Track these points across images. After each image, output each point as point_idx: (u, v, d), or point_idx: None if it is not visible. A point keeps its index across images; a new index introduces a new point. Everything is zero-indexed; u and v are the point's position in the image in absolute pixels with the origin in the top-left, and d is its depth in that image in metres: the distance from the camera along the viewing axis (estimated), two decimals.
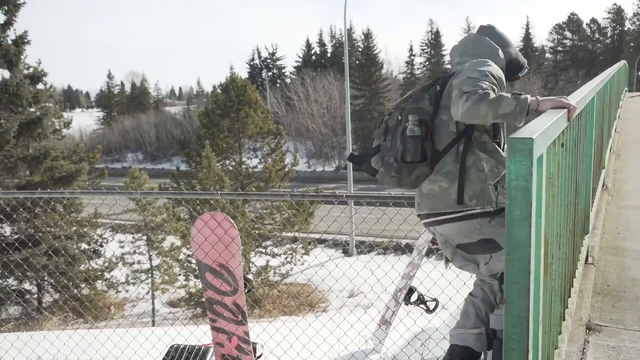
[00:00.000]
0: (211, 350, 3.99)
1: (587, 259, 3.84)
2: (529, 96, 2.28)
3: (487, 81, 2.33)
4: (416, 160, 2.49)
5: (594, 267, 3.91)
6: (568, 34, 58.89)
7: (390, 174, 2.59)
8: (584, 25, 58.77)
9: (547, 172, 1.83)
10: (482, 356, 2.68)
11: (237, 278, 3.63)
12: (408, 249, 23.97)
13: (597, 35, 59.23)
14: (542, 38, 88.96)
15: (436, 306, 3.79)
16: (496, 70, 2.46)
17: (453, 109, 2.36)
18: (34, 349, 4.21)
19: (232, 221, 3.62)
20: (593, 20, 58.95)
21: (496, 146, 2.55)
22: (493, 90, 2.32)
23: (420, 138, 2.48)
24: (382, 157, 2.63)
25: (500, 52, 2.67)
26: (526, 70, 2.82)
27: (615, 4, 58.95)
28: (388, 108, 2.76)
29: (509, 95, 2.26)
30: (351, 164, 25.88)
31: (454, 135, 2.52)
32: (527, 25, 59.78)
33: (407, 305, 3.84)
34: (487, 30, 2.76)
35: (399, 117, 2.59)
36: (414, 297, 3.76)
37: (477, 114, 2.26)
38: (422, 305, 3.78)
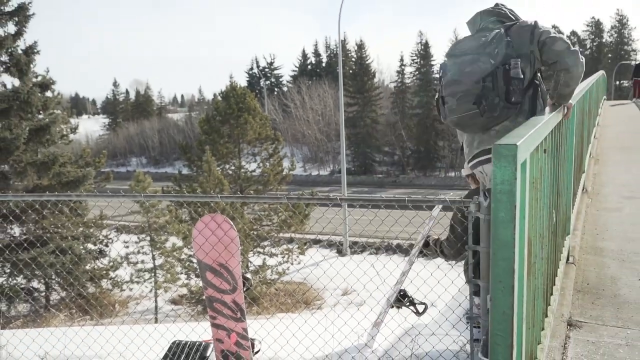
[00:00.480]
0: (211, 346, 3.98)
1: (568, 259, 3.85)
2: None
3: None
4: (519, 101, 2.62)
5: (574, 267, 3.92)
6: None
7: (493, 112, 2.64)
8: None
9: (531, 177, 1.84)
10: None
11: (236, 277, 3.62)
12: (399, 249, 23.96)
13: (577, 47, 59.50)
14: None
15: (425, 310, 3.80)
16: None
17: (564, 55, 2.64)
18: (42, 344, 4.18)
19: (232, 223, 3.61)
20: (573, 33, 59.30)
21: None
22: None
23: (522, 80, 2.62)
24: (483, 98, 2.64)
25: None
26: None
27: (593, 17, 59.38)
28: (449, 55, 2.88)
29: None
30: (344, 169, 25.89)
31: (527, 82, 2.70)
32: None
33: (396, 308, 3.85)
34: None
35: (492, 61, 2.65)
36: (404, 302, 3.77)
37: (578, 71, 2.67)
38: (412, 307, 3.79)
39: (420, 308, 3.80)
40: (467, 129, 2.88)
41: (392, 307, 3.96)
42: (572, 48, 2.67)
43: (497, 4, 2.99)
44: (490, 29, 2.82)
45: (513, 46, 2.68)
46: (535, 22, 2.74)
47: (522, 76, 2.62)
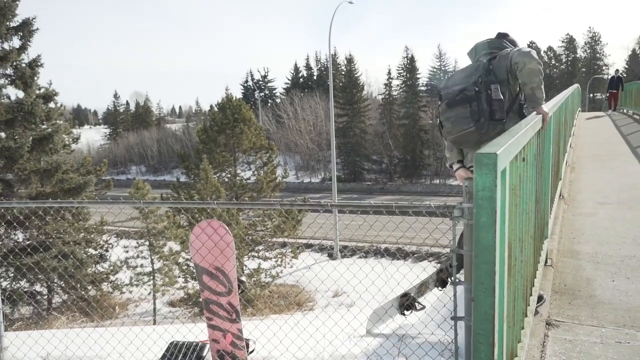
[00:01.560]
0: (207, 346, 3.95)
1: (546, 261, 3.87)
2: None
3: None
4: (503, 118, 2.95)
5: (552, 269, 3.94)
6: None
7: (481, 130, 2.98)
8: (542, 52, 59.70)
9: (510, 184, 1.85)
10: None
11: (231, 280, 3.60)
12: (387, 252, 23.88)
13: (553, 62, 60.17)
14: None
15: (422, 308, 3.83)
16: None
17: (523, 61, 2.93)
18: (44, 346, 4.13)
19: (227, 228, 3.59)
20: (550, 48, 59.97)
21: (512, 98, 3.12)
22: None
23: (502, 101, 2.99)
24: (473, 120, 3.01)
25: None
26: None
27: (568, 34, 60.08)
28: (443, 88, 3.23)
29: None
30: (335, 177, 25.88)
31: (509, 101, 3.08)
32: None
33: (402, 314, 3.89)
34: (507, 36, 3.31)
35: (477, 89, 3.03)
36: (407, 309, 3.82)
37: (535, 78, 2.92)
38: (412, 311, 3.84)
39: (421, 310, 3.86)
40: (463, 145, 3.20)
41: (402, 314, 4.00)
42: (525, 50, 2.99)
43: (498, 33, 3.31)
44: (481, 60, 3.20)
45: (495, 74, 3.05)
46: (515, 51, 3.05)
47: (501, 97, 2.96)
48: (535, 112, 2.98)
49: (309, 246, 24.19)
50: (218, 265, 3.57)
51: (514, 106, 3.10)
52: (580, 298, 3.48)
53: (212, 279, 3.61)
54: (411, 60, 55.12)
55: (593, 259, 4.26)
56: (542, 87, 2.97)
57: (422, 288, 4.08)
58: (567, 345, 2.81)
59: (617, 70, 21.70)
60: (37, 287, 16.36)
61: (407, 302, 3.89)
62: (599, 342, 2.85)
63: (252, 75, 68.79)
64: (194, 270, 18.45)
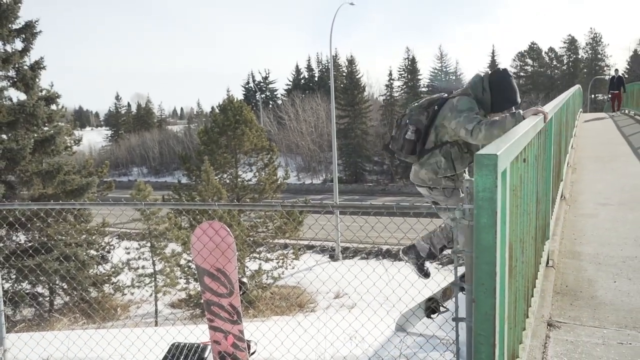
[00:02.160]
0: (209, 347, 3.95)
1: (547, 262, 3.86)
2: (520, 111, 3.03)
3: (474, 112, 3.21)
4: (407, 155, 3.58)
5: (554, 270, 3.94)
6: (529, 61, 59.74)
7: (399, 155, 3.66)
8: (543, 53, 59.66)
9: (511, 185, 1.85)
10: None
11: (232, 281, 3.60)
12: (388, 254, 23.86)
13: (554, 62, 60.12)
14: (506, 64, 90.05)
15: (445, 311, 3.90)
16: (471, 102, 3.31)
17: (471, 139, 3.18)
18: (46, 347, 4.13)
19: (228, 229, 3.59)
20: (551, 49, 59.87)
21: (457, 154, 3.47)
22: (477, 114, 3.22)
23: (414, 142, 3.50)
24: (397, 145, 3.64)
25: (484, 92, 3.41)
26: (513, 108, 3.44)
27: (570, 35, 60.03)
28: (403, 112, 3.70)
29: (508, 115, 3.02)
30: (336, 178, 25.88)
31: (433, 144, 3.50)
32: (493, 53, 60.62)
33: (429, 317, 3.96)
34: (490, 75, 3.47)
35: (407, 121, 3.54)
36: (433, 312, 3.90)
37: (492, 137, 2.89)
38: (438, 314, 3.91)
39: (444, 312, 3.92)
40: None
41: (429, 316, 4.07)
42: (470, 127, 3.17)
43: (476, 75, 3.51)
44: (441, 95, 3.60)
45: (435, 115, 3.46)
46: (455, 102, 3.34)
47: (412, 139, 3.49)
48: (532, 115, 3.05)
49: (310, 247, 24.17)
50: (219, 267, 3.56)
51: (440, 149, 3.48)
52: (582, 299, 3.48)
53: (214, 281, 3.61)
54: (412, 61, 55.16)
55: (594, 260, 4.26)
56: (506, 127, 2.93)
57: (447, 292, 4.12)
58: (568, 346, 2.81)
59: (616, 70, 21.26)
60: (39, 289, 16.36)
61: (432, 306, 3.95)
62: (601, 343, 2.84)
63: (253, 77, 68.87)
64: (196, 272, 18.47)
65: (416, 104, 3.63)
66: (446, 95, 3.50)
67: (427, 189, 3.65)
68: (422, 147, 3.50)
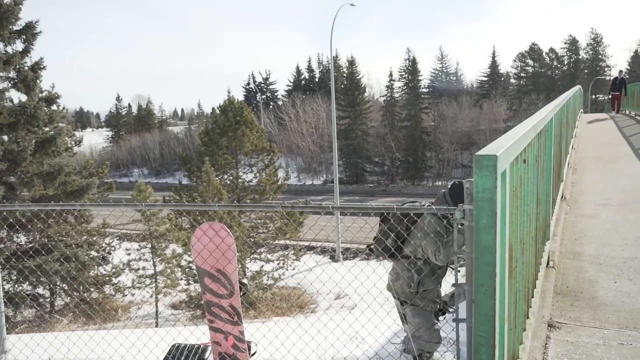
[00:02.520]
0: (209, 348, 3.95)
1: (548, 263, 3.86)
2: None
3: (440, 235, 3.49)
4: (393, 259, 3.90)
5: (554, 270, 3.93)
6: (530, 61, 59.72)
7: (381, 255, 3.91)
8: (544, 54, 59.65)
9: (511, 185, 1.85)
10: None
11: (233, 282, 3.60)
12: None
13: (555, 63, 60.12)
14: (507, 65, 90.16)
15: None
16: (438, 223, 3.54)
17: (434, 259, 3.52)
18: (46, 348, 4.13)
19: (229, 230, 3.59)
20: (552, 50, 59.87)
21: (429, 272, 3.73)
22: (443, 236, 3.50)
23: (392, 251, 3.80)
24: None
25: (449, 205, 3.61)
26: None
27: (570, 36, 60.07)
28: (386, 212, 3.94)
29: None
30: (337, 179, 25.86)
31: (408, 257, 3.76)
32: (494, 53, 60.61)
33: (436, 319, 3.99)
34: (450, 189, 3.74)
35: (388, 227, 3.79)
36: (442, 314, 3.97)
37: (448, 258, 3.45)
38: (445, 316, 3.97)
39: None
40: None
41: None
42: (433, 250, 3.51)
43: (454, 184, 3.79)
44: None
45: (414, 227, 3.71)
46: (426, 223, 3.58)
47: (392, 246, 3.78)
48: None
49: (310, 248, 24.16)
50: (220, 268, 3.56)
51: (414, 264, 3.74)
52: (582, 300, 3.48)
53: (214, 282, 3.61)
54: (413, 62, 55.17)
55: (595, 260, 4.25)
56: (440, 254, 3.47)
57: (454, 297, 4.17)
58: (569, 347, 2.81)
59: (620, 72, 20.79)
60: (40, 290, 16.37)
61: (441, 308, 4.02)
62: (601, 343, 2.84)
63: (253, 78, 68.91)
64: (196, 273, 18.46)
65: (403, 204, 3.65)
66: (425, 203, 3.64)
67: (399, 302, 3.88)
68: (400, 255, 3.79)
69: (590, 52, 58.75)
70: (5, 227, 13.57)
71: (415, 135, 50.11)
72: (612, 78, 21.26)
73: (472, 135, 48.79)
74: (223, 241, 3.53)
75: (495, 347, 1.64)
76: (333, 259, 24.13)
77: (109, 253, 17.93)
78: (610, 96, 20.40)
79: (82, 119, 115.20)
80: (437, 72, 61.91)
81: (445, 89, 59.49)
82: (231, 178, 21.14)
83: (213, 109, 55.21)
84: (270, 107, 63.56)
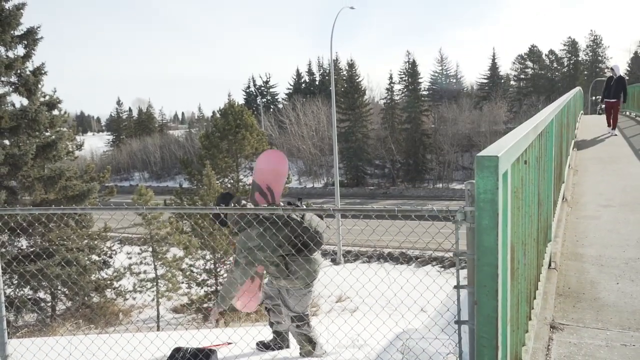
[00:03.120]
0: (216, 352, 3.95)
1: (550, 264, 3.86)
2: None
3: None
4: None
5: (556, 272, 3.93)
6: (529, 63, 59.80)
7: None
8: (544, 55, 59.73)
9: (512, 186, 1.85)
10: None
11: (275, 197, 4.23)
12: (390, 257, 23.79)
13: (555, 65, 60.18)
14: (506, 67, 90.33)
15: None
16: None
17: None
18: (48, 353, 4.13)
19: (287, 159, 4.37)
20: (551, 52, 59.97)
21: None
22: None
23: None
24: None
25: None
26: None
27: (570, 37, 60.17)
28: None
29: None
30: (337, 182, 25.85)
31: None
32: (494, 55, 60.72)
33: None
34: None
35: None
36: None
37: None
38: None
39: None
40: None
41: None
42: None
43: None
44: None
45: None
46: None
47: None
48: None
49: None
50: (270, 185, 4.22)
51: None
52: (585, 301, 3.47)
53: (261, 196, 4.26)
54: (413, 65, 55.23)
55: (597, 261, 4.25)
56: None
57: None
58: (571, 349, 2.80)
59: (612, 69, 13.20)
60: (41, 294, 16.36)
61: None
62: (604, 345, 2.83)
63: (254, 81, 69.01)
64: (197, 276, 18.45)
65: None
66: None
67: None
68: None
69: (590, 54, 58.83)
70: (6, 231, 13.58)
71: (416, 137, 50.13)
72: (605, 78, 13.60)
73: (472, 137, 48.80)
74: (279, 165, 4.25)
75: (497, 349, 1.64)
76: (334, 261, 24.12)
77: (110, 257, 17.92)
78: (603, 105, 13.75)
79: (83, 123, 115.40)
80: (437, 74, 61.99)
81: (445, 91, 59.56)
82: (232, 181, 21.15)
83: (213, 112, 55.29)
84: (271, 110, 63.64)
